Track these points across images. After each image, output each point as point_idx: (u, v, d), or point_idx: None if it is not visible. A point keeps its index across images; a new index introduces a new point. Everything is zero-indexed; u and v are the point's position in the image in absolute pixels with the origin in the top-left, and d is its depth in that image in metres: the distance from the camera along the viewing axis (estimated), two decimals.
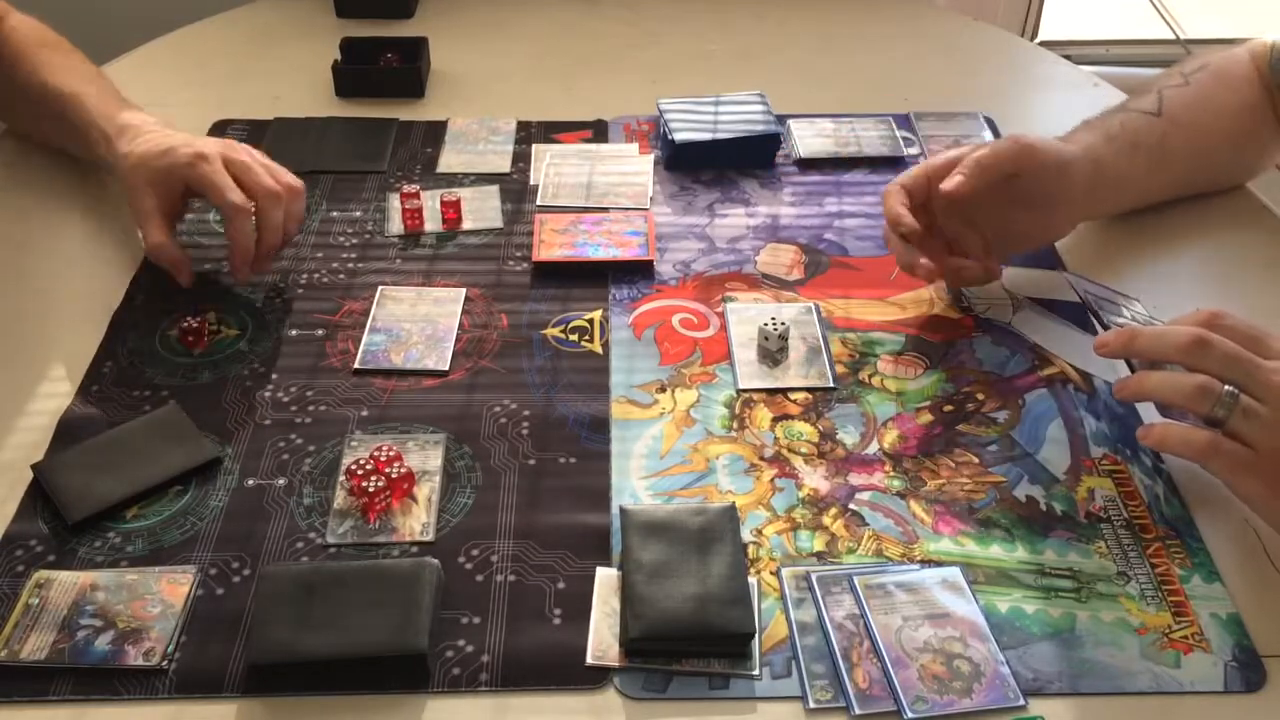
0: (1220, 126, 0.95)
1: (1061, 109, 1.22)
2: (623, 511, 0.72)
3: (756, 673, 0.65)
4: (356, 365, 0.85)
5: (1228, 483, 0.70)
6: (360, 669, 0.64)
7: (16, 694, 0.63)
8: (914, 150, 1.10)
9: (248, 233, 0.87)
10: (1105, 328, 0.77)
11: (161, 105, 1.13)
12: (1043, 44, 1.62)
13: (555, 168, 1.06)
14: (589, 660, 0.66)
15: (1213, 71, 0.96)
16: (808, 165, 1.08)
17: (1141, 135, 0.92)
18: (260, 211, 0.88)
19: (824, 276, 0.95)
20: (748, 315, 0.90)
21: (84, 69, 1.02)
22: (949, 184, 0.84)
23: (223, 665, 0.65)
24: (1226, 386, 0.69)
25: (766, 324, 0.86)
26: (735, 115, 1.09)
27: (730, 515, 0.72)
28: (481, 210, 1.01)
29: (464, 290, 0.92)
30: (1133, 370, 0.76)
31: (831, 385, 0.84)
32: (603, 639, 0.67)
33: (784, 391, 0.83)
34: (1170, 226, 0.99)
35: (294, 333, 0.88)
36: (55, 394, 0.82)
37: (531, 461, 0.78)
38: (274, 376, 0.84)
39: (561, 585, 0.70)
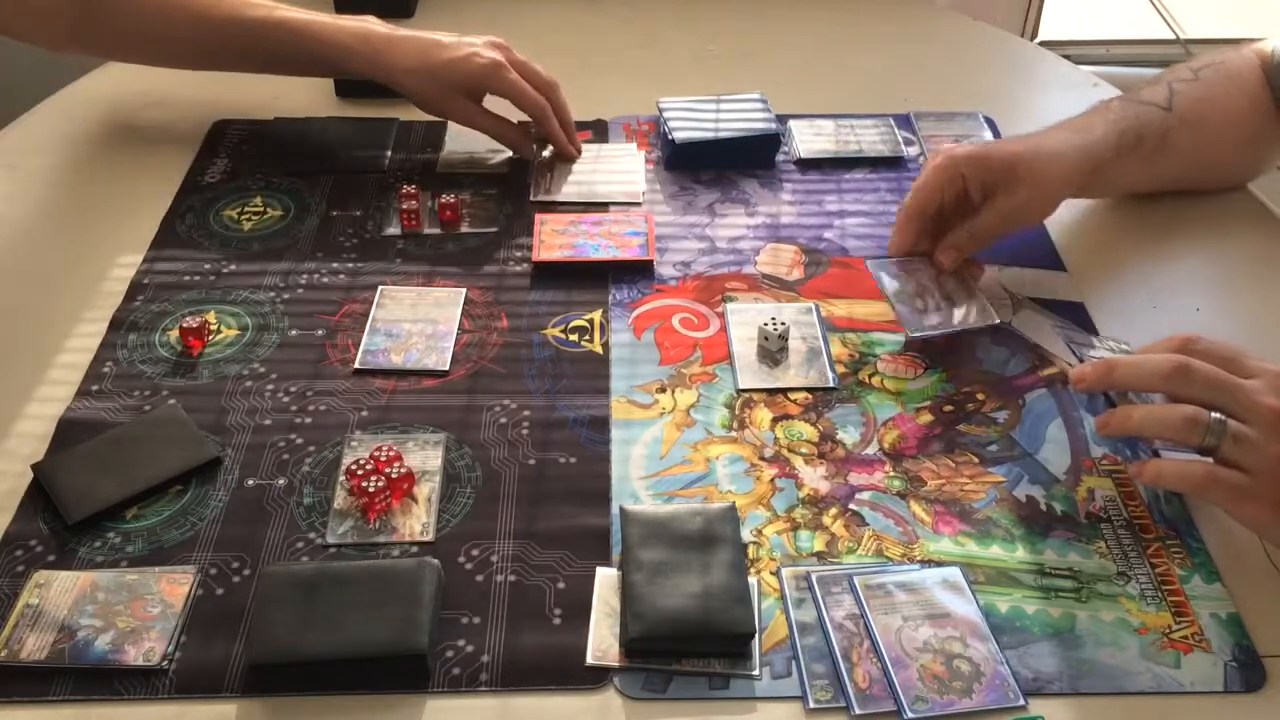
0: (1226, 127, 0.95)
1: (1061, 109, 1.21)
2: (623, 511, 0.72)
3: (756, 673, 0.65)
4: (356, 365, 0.85)
5: (1229, 511, 0.70)
6: (360, 669, 0.64)
7: (16, 694, 0.63)
8: (914, 150, 1.10)
9: (555, 122, 1.03)
10: (1080, 361, 0.77)
11: (161, 105, 1.14)
12: (1043, 44, 1.62)
13: (555, 168, 1.06)
14: (589, 660, 0.66)
15: (1223, 71, 0.96)
16: (808, 165, 1.08)
17: (1148, 128, 0.92)
18: (552, 103, 1.03)
19: (824, 276, 0.95)
20: (748, 315, 0.90)
21: None
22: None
23: (223, 665, 0.65)
24: (1213, 414, 0.68)
25: (766, 324, 0.86)
26: (735, 115, 1.09)
27: (730, 515, 0.72)
28: (480, 212, 1.01)
29: (464, 290, 0.92)
30: (1111, 403, 0.76)
31: (832, 385, 0.84)
32: (603, 639, 0.67)
33: (784, 391, 0.83)
34: (1170, 227, 0.99)
35: (294, 333, 0.88)
36: (55, 394, 0.82)
37: (531, 461, 0.78)
38: (274, 376, 0.84)
39: (561, 585, 0.70)
